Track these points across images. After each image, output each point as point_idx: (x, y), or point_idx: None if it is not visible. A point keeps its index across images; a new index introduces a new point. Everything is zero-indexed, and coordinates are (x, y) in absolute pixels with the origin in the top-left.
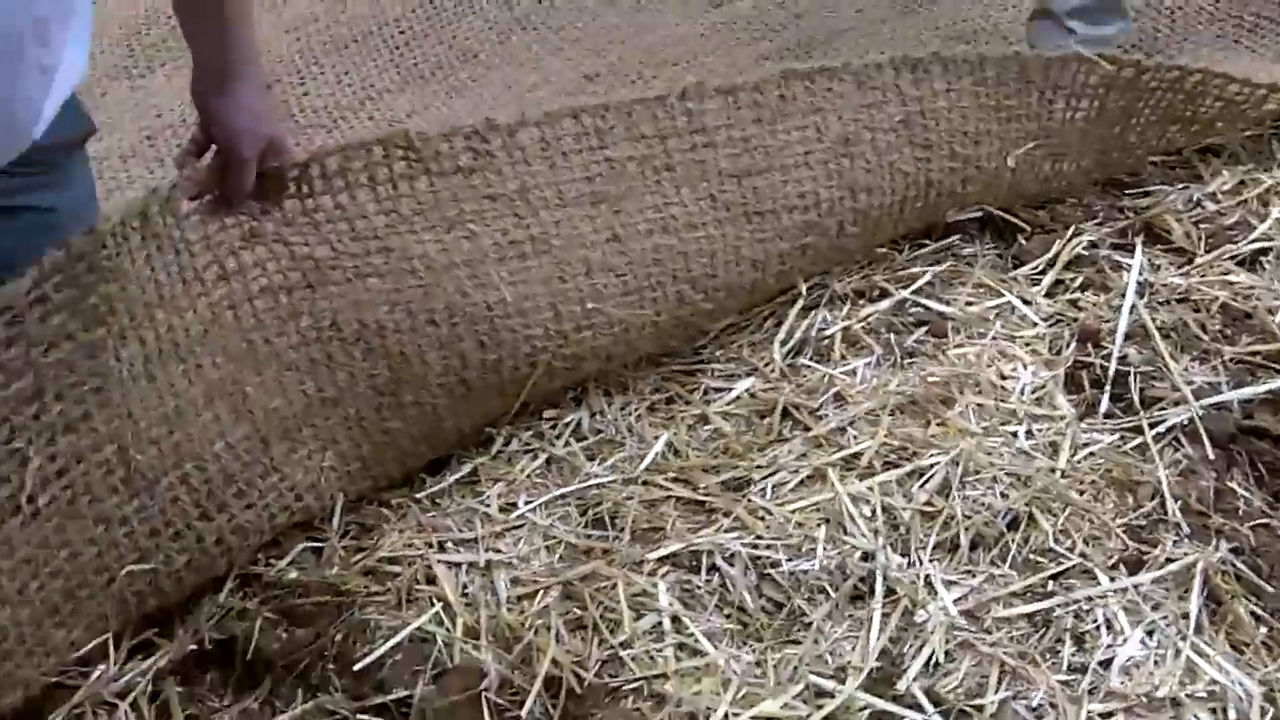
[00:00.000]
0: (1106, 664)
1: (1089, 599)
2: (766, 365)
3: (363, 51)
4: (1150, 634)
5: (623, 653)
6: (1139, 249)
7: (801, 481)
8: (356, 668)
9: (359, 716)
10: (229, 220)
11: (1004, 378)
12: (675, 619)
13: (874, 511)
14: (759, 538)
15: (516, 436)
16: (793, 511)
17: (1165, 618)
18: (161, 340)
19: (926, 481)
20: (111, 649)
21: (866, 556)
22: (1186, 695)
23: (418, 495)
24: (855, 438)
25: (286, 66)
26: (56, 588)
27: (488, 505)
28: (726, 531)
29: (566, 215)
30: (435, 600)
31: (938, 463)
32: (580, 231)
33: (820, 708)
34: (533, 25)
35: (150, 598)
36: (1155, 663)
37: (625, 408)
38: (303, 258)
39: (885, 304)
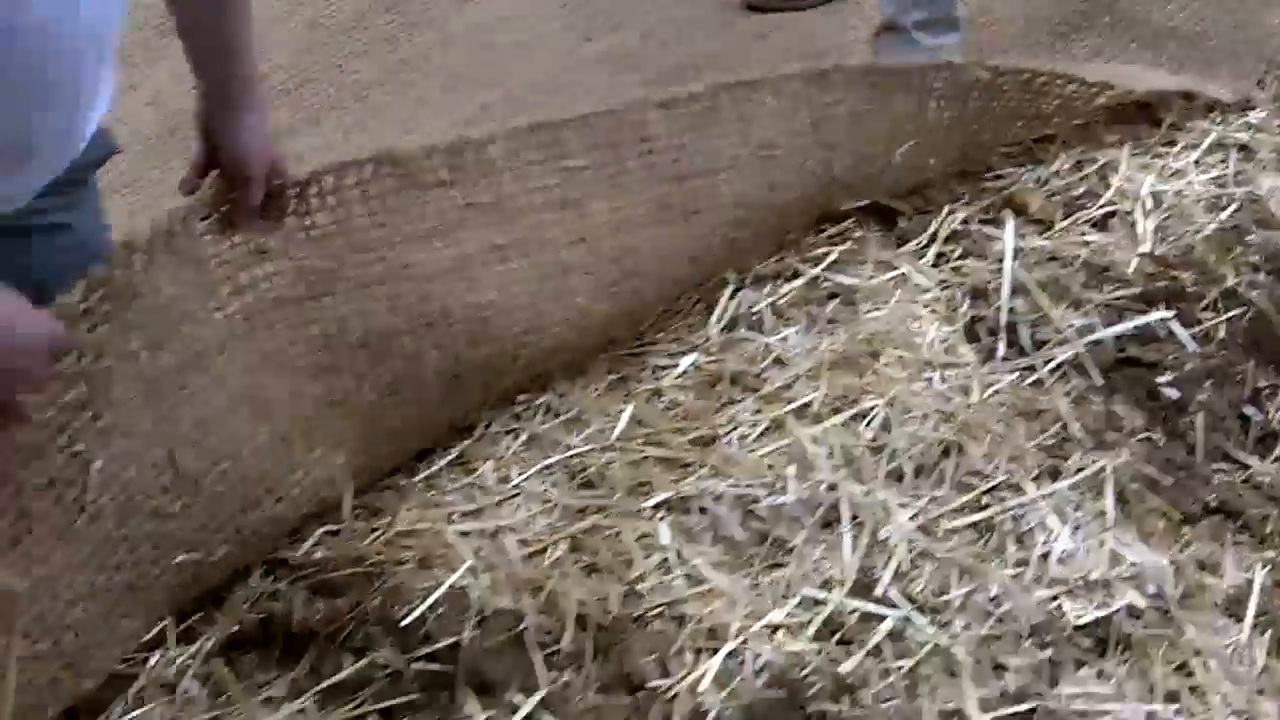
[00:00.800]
0: (1045, 557)
1: (1021, 506)
2: (706, 342)
3: None
4: (1077, 529)
5: (638, 586)
6: (1010, 220)
7: (762, 432)
8: (403, 624)
9: (412, 666)
10: (238, 238)
11: (914, 335)
12: (678, 553)
13: (831, 450)
14: (737, 480)
15: (495, 420)
16: (762, 456)
17: (1086, 515)
18: (189, 351)
19: (870, 422)
20: (170, 634)
21: (832, 488)
22: (1114, 576)
23: (415, 480)
24: (801, 392)
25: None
26: (120, 581)
27: (483, 480)
28: (708, 478)
29: (538, 220)
30: (459, 562)
31: (876, 405)
32: (551, 235)
33: (818, 613)
34: (417, 67)
35: (193, 587)
36: (1085, 553)
37: (586, 388)
38: (308, 271)
39: (800, 282)
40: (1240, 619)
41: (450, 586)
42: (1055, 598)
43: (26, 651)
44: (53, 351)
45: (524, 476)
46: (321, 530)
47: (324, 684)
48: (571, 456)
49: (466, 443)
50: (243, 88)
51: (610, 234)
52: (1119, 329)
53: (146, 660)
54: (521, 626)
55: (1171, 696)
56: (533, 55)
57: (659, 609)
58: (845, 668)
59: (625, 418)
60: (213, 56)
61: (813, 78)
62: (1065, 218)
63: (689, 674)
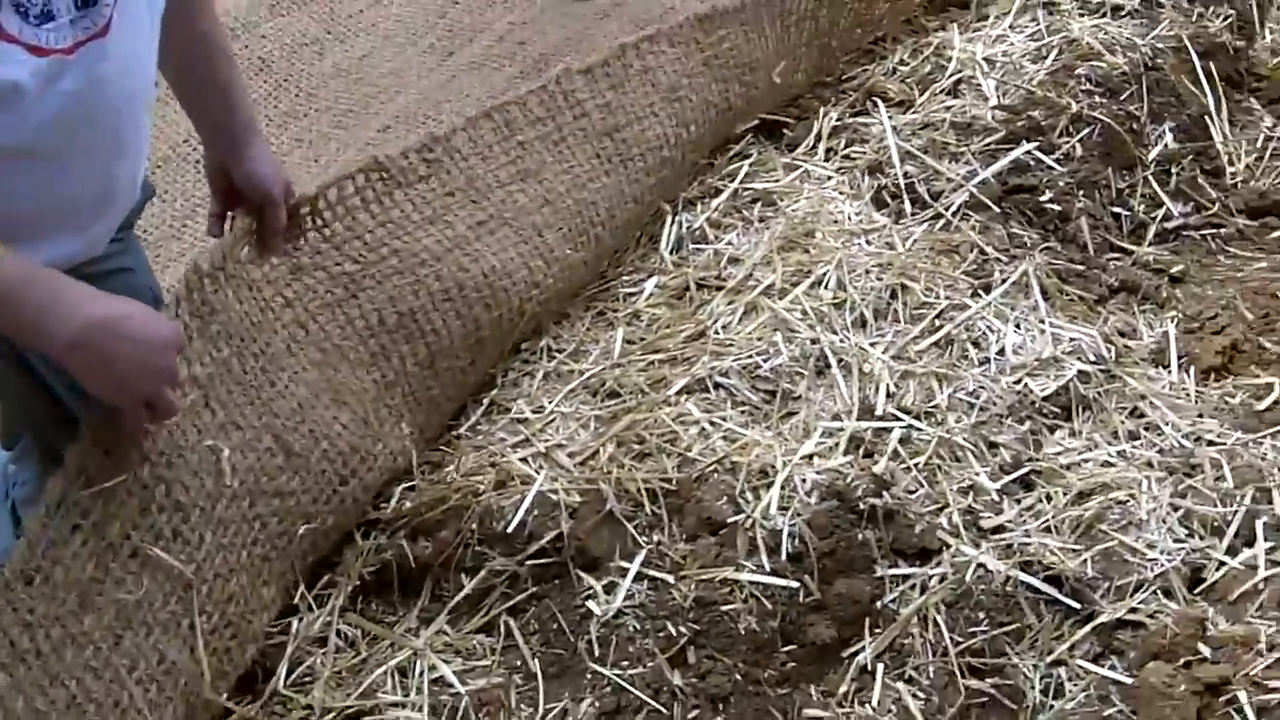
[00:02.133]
0: (1001, 352)
1: (969, 319)
2: (661, 264)
3: None
4: (1018, 325)
5: (689, 454)
6: (882, 106)
7: (742, 316)
8: (508, 531)
9: (528, 563)
10: (275, 260)
11: (834, 214)
12: (710, 422)
13: (804, 312)
14: (736, 355)
15: (510, 370)
16: (749, 333)
17: (1021, 312)
18: (266, 356)
19: (826, 285)
20: (308, 599)
21: (814, 341)
22: (1059, 353)
23: (461, 432)
24: (762, 277)
25: None
26: (258, 554)
27: (521, 415)
28: (712, 361)
29: (508, 193)
30: (530, 480)
31: (827, 270)
32: (521, 203)
33: (840, 437)
34: (303, 115)
35: (311, 553)
36: (1031, 340)
37: (574, 326)
38: (339, 275)
39: (724, 196)
40: (1165, 365)
41: (536, 493)
42: (1019, 380)
43: (206, 626)
44: (178, 349)
45: (554, 403)
46: (401, 489)
47: (452, 603)
48: (589, 378)
49: (494, 392)
50: (246, 124)
51: (567, 192)
52: (996, 167)
53: (290, 625)
54: (607, 507)
55: (1133, 435)
56: (405, 79)
57: (712, 466)
58: (877, 469)
59: (619, 339)
60: (215, 102)
61: (700, 20)
62: (922, 94)
63: (756, 506)
